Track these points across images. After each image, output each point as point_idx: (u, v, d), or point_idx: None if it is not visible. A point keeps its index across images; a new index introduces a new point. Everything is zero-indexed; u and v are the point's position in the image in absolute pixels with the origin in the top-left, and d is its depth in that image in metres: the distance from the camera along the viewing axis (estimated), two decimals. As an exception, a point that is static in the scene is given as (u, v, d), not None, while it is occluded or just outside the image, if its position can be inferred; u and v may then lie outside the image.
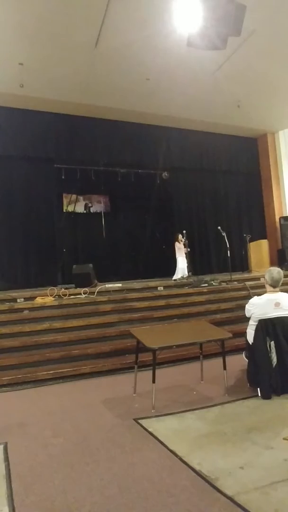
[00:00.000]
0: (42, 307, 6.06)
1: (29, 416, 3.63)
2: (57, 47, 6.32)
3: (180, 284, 7.61)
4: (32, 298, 6.37)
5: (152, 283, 7.68)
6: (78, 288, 6.86)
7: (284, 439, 2.68)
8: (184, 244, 8.79)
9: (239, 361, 4.27)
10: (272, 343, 3.71)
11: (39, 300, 6.24)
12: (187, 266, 8.74)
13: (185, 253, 8.74)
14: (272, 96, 8.60)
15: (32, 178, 8.76)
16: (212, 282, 7.60)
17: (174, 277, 8.55)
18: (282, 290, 3.98)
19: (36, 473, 2.57)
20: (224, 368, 3.85)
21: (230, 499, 2.13)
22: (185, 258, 8.80)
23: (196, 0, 4.90)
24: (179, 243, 8.87)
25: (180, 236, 8.87)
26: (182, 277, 8.45)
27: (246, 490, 2.21)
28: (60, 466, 2.64)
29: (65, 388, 4.52)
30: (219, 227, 8.33)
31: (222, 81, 7.64)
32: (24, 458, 2.79)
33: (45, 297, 6.38)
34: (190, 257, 8.86)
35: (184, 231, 8.68)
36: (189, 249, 8.77)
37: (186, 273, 8.68)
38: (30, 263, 8.64)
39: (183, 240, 8.82)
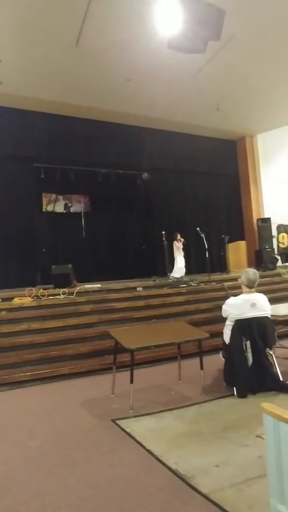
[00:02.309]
0: (20, 308, 5.97)
1: (5, 418, 3.58)
2: (37, 45, 6.24)
3: (159, 285, 7.65)
4: (10, 298, 6.27)
5: (131, 283, 7.68)
6: (57, 289, 6.80)
7: (258, 436, 2.74)
8: (183, 244, 8.90)
9: (217, 361, 4.34)
10: (248, 343, 3.79)
11: (17, 301, 6.15)
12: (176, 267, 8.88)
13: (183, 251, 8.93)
14: (251, 100, 8.77)
15: (10, 177, 8.61)
16: (191, 282, 7.67)
17: (172, 275, 8.63)
18: (258, 291, 4.08)
19: (12, 477, 2.54)
20: (202, 368, 3.91)
21: (206, 497, 2.17)
22: (183, 257, 8.89)
23: (177, 4, 4.95)
24: (178, 242, 8.95)
25: (179, 235, 8.95)
26: (182, 277, 8.50)
27: (221, 487, 2.25)
28: (37, 469, 2.62)
29: (43, 389, 4.48)
30: (197, 228, 8.42)
31: (203, 84, 7.75)
32: (0, 461, 2.75)
33: (23, 298, 6.29)
34: (169, 257, 8.94)
35: (164, 232, 8.74)
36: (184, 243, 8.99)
37: (183, 273, 8.77)
38: (8, 263, 8.48)
39: (182, 239, 8.91)
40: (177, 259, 8.97)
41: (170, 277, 8.49)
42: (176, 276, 8.64)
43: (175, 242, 9.01)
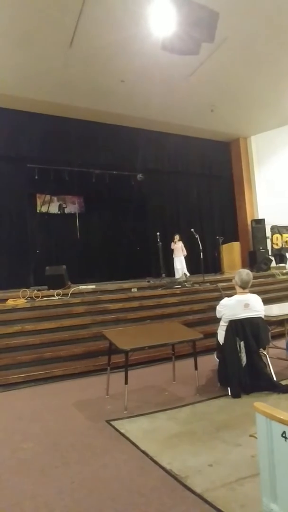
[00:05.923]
0: (14, 309, 5.94)
1: (-2, 420, 3.56)
2: (31, 45, 6.23)
3: (153, 286, 7.66)
4: (4, 300, 6.23)
5: (126, 284, 7.68)
6: (51, 290, 6.78)
7: (251, 436, 2.76)
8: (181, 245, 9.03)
9: (211, 361, 4.35)
10: (242, 343, 3.81)
11: (10, 302, 6.11)
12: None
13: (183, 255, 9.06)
14: (245, 102, 8.82)
15: (4, 178, 8.57)
16: (185, 283, 7.69)
17: (177, 277, 8.74)
18: (251, 292, 4.10)
19: (4, 479, 2.52)
20: (196, 368, 3.92)
21: (199, 496, 2.18)
22: (183, 258, 9.00)
23: (170, 6, 4.98)
24: (174, 243, 9.08)
25: (177, 237, 9.04)
26: (185, 276, 8.60)
27: (214, 487, 2.26)
28: (30, 471, 2.61)
29: (36, 391, 4.46)
30: (192, 230, 8.44)
31: (197, 85, 7.78)
32: (-7, 463, 2.74)
33: (17, 299, 6.26)
34: (164, 258, 8.94)
35: (158, 233, 8.75)
36: (185, 254, 9.12)
37: (186, 272, 8.90)
38: (2, 264, 8.44)
39: (177, 241, 9.03)
40: (174, 260, 9.07)
41: (177, 279, 8.56)
42: (176, 277, 8.71)
43: (172, 243, 9.11)
